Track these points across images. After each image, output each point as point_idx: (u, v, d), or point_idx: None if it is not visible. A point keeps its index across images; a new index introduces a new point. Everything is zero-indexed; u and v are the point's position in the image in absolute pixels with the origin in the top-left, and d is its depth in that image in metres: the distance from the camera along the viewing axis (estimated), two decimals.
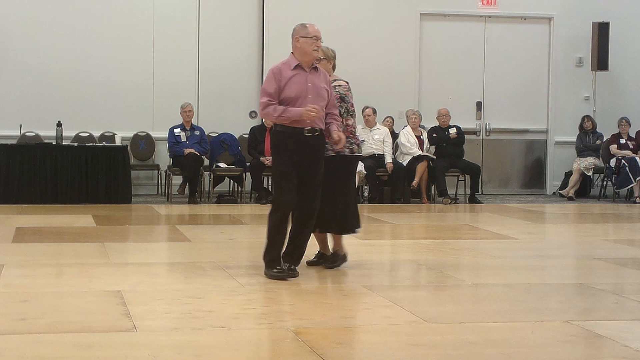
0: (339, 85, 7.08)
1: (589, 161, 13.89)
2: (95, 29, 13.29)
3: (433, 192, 13.35)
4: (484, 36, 14.43)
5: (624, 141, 13.75)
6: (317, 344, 4.68)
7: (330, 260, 7.12)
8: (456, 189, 13.46)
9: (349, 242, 8.08)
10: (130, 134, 13.31)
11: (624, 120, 13.85)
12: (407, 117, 13.42)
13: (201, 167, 12.64)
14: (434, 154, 13.23)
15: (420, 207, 12.56)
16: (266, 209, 11.50)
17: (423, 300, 6.05)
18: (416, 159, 12.97)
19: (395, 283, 6.93)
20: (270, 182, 12.98)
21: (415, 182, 12.89)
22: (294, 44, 6.70)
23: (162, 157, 13.38)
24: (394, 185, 12.95)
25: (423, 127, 13.50)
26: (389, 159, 12.91)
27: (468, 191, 13.24)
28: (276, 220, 6.60)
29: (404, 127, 13.40)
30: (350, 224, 7.10)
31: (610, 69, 14.34)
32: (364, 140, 12.96)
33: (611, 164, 13.53)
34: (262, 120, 13.20)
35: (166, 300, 5.78)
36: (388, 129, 13.23)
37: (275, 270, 6.57)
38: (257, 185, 12.58)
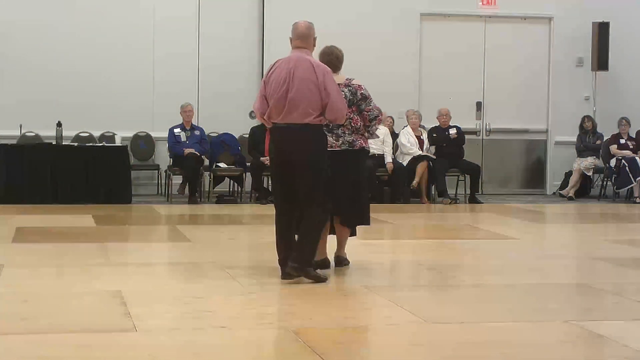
0: None
1: (589, 161, 13.87)
2: (95, 29, 13.27)
3: (433, 192, 13.33)
4: (484, 36, 14.42)
5: (624, 141, 13.73)
6: (317, 344, 4.67)
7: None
8: (456, 189, 13.45)
9: (350, 242, 8.07)
10: (130, 134, 13.30)
11: (624, 120, 13.84)
12: (407, 117, 13.41)
13: (201, 167, 12.64)
14: (434, 154, 13.22)
15: (420, 207, 12.56)
16: (266, 209, 11.56)
17: (423, 300, 6.04)
18: (416, 159, 12.96)
19: (395, 283, 6.93)
20: (270, 182, 12.98)
21: (415, 182, 12.88)
22: (314, 42, 6.53)
23: (162, 157, 13.36)
24: (394, 185, 12.94)
25: (423, 127, 13.50)
26: (389, 159, 12.90)
27: (468, 191, 13.22)
28: (326, 220, 6.49)
29: (404, 127, 13.39)
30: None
31: (610, 69, 14.33)
32: None
33: (611, 164, 13.52)
34: None
35: (166, 300, 5.78)
36: (388, 129, 13.21)
37: (318, 272, 6.42)
38: (257, 185, 12.57)
